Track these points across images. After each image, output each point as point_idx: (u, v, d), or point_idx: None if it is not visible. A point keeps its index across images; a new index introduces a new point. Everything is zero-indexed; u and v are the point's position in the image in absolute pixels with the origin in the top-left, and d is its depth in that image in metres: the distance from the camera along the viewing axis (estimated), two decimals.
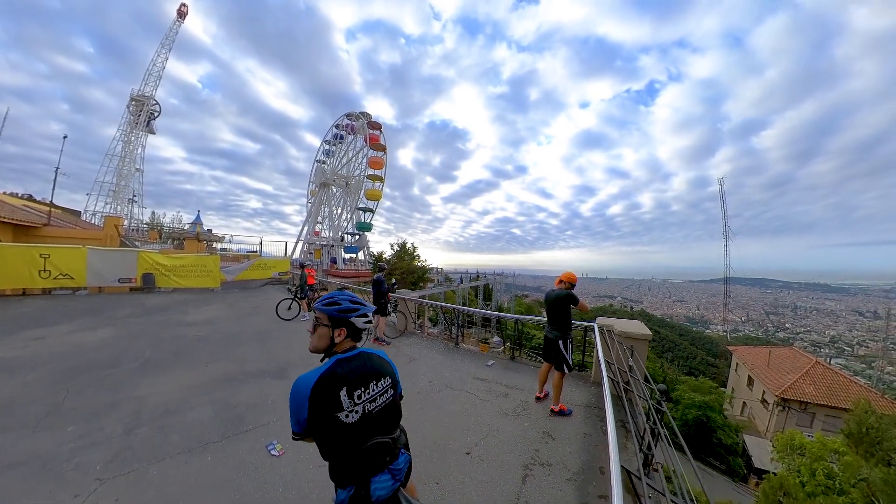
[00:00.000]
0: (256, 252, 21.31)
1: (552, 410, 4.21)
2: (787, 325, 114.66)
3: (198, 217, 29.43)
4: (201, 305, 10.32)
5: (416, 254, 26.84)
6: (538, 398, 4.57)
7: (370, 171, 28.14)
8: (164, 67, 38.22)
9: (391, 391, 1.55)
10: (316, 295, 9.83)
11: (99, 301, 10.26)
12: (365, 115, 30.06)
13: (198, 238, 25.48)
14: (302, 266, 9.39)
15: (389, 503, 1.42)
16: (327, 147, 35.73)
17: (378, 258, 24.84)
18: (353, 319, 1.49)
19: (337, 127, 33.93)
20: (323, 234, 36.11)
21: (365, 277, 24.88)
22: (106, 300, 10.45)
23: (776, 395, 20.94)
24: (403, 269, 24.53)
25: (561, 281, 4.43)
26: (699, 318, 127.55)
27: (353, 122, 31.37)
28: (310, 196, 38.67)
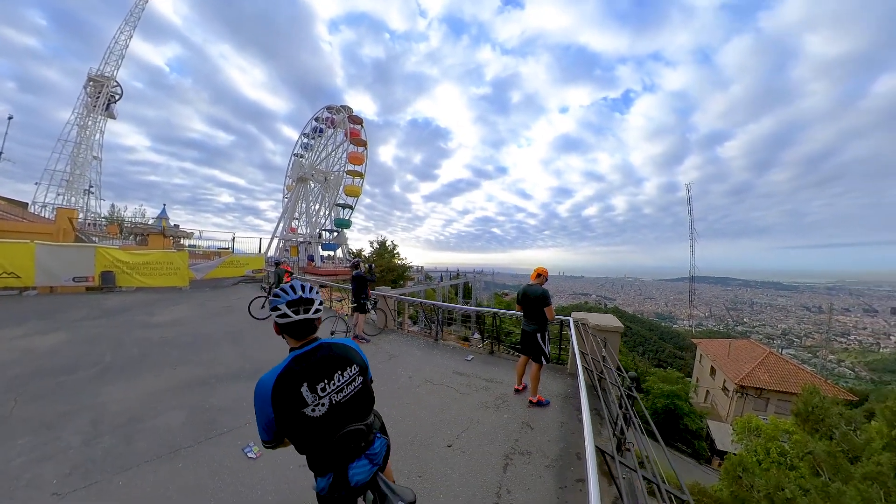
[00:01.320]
0: (228, 249, 20.37)
1: (530, 402, 4.33)
2: (745, 319, 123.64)
3: (163, 211, 27.57)
4: (168, 305, 9.75)
5: (395, 252, 26.63)
6: (517, 390, 4.69)
7: (350, 167, 27.55)
8: (127, 46, 35.46)
9: (359, 378, 1.53)
10: None
11: (50, 302, 9.45)
12: (346, 108, 29.30)
13: (163, 234, 23.97)
14: (277, 263, 8.98)
15: (368, 486, 1.43)
16: (306, 140, 34.59)
17: (357, 255, 24.39)
18: (297, 318, 1.43)
19: (316, 120, 32.88)
20: (300, 231, 35.04)
21: (343, 275, 24.40)
22: (59, 301, 9.63)
23: (735, 383, 22.54)
24: (383, 267, 24.27)
25: (538, 275, 4.55)
26: (667, 314, 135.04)
27: (334, 116, 30.50)
28: (286, 191, 37.35)
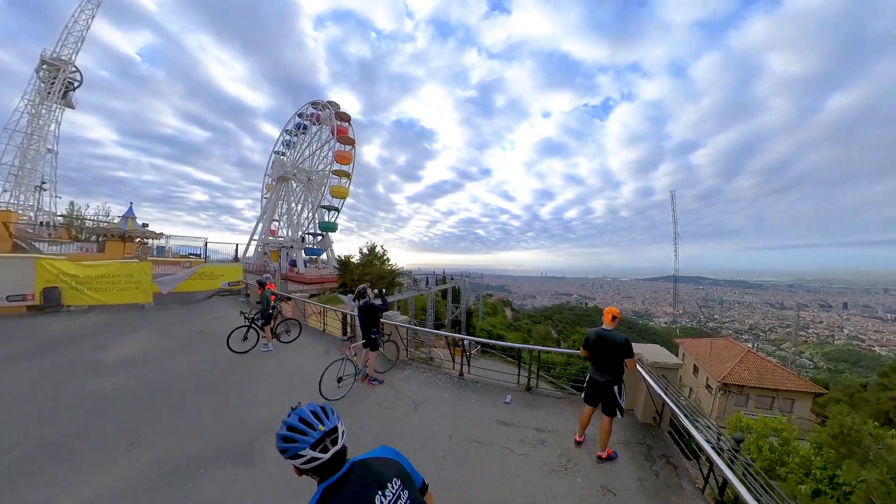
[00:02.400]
0: (200, 256, 18.37)
1: (599, 457, 3.84)
2: (715, 316, 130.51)
3: (130, 210, 24.55)
4: (126, 333, 8.14)
5: (385, 257, 25.28)
6: (577, 442, 4.14)
7: (336, 167, 25.84)
8: (88, 28, 31.83)
9: (406, 494, 1.29)
10: (277, 318, 8.14)
11: None
12: (332, 104, 27.45)
13: (123, 237, 21.34)
14: (262, 284, 7.53)
15: None
16: (288, 137, 32.43)
17: (345, 263, 22.83)
18: (329, 456, 1.21)
19: (300, 116, 30.82)
20: (280, 234, 32.90)
21: (330, 283, 22.78)
22: None
23: (719, 381, 23.07)
24: (374, 275, 22.87)
25: (613, 318, 3.91)
26: (644, 312, 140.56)
27: (319, 112, 28.55)
28: (265, 191, 35.08)
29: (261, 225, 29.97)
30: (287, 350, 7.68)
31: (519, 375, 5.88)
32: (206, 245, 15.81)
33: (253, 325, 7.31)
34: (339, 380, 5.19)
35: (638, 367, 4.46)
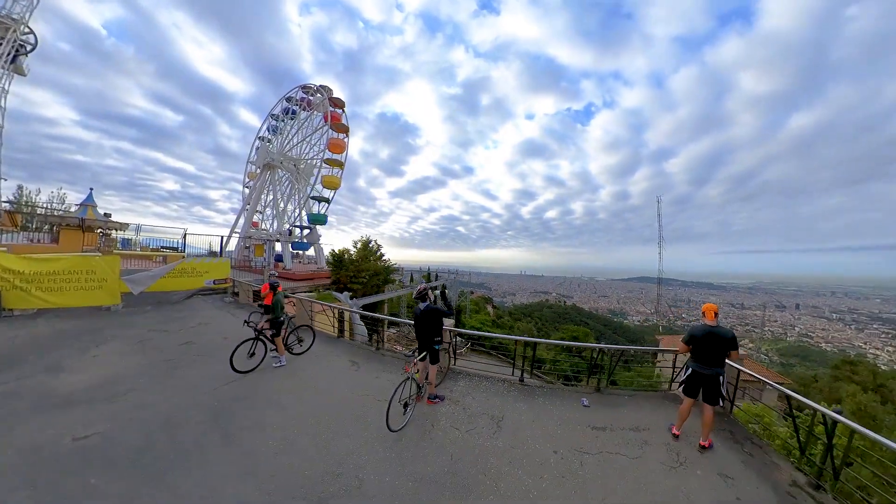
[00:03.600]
0: (177, 249, 16.16)
1: (702, 446, 4.02)
2: (683, 315, 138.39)
3: (90, 197, 21.26)
4: (89, 347, 6.39)
5: (380, 252, 23.76)
6: (675, 435, 4.27)
7: (329, 155, 23.91)
8: None
9: None
10: (289, 326, 6.69)
11: None
12: (325, 88, 25.31)
13: (82, 227, 18.60)
14: (274, 287, 5.98)
15: None
16: (274, 122, 29.92)
17: (340, 257, 21.11)
18: None
19: (289, 100, 28.34)
20: (264, 226, 30.42)
21: (323, 279, 21.03)
22: None
23: None
24: (370, 271, 21.33)
25: (715, 314, 4.10)
26: (619, 311, 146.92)
27: (311, 97, 26.31)
28: (247, 179, 32.37)
29: (243, 217, 27.44)
30: (304, 364, 6.32)
31: (589, 376, 5.73)
32: (185, 237, 13.73)
33: (261, 337, 5.86)
34: (405, 405, 4.10)
35: (732, 361, 4.51)
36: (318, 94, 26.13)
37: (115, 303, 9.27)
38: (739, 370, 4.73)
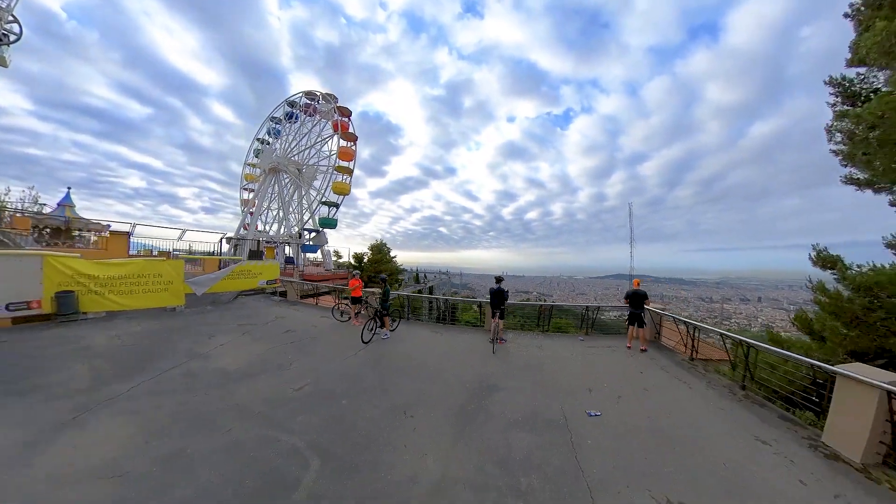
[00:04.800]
0: (212, 253, 16.05)
1: (642, 350, 7.36)
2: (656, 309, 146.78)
3: (67, 196, 20.09)
4: (200, 339, 7.03)
5: (392, 255, 24.49)
6: (628, 347, 7.57)
7: (340, 163, 24.27)
8: None
9: None
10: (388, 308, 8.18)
11: None
12: (331, 97, 25.56)
13: (68, 229, 17.84)
14: (384, 281, 8.31)
15: None
16: (275, 126, 29.89)
17: (360, 259, 21.64)
18: None
19: (291, 105, 28.46)
20: (262, 228, 30.24)
21: (340, 279, 21.50)
22: None
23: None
24: (386, 270, 22.01)
25: (638, 284, 7.91)
26: (595, 307, 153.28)
27: (316, 104, 26.55)
28: (245, 181, 32.08)
29: (248, 219, 27.21)
30: (401, 336, 8.11)
31: (582, 325, 10.07)
32: (221, 241, 13.88)
33: (377, 317, 7.64)
34: (492, 341, 7.44)
35: (647, 306, 7.78)
36: (324, 102, 26.47)
37: (180, 304, 9.66)
38: (651, 311, 8.06)
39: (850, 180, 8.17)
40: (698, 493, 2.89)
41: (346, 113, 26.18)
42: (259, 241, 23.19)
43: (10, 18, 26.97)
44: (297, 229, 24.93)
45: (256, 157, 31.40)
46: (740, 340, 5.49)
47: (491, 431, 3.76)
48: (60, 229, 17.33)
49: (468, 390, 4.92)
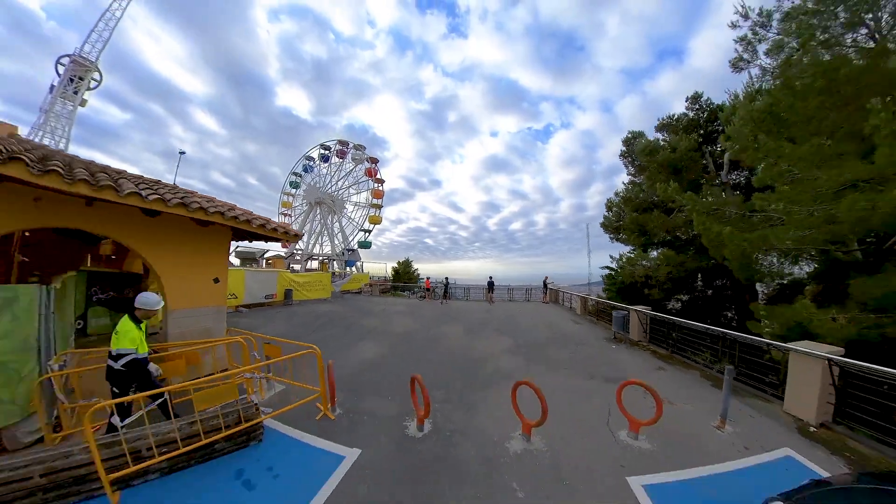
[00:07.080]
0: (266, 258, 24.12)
1: (545, 302, 16.68)
2: None
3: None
4: (352, 313, 15.57)
5: (413, 267, 33.22)
6: (545, 302, 16.26)
7: (374, 201, 33.28)
8: None
9: None
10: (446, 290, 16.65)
11: (267, 314, 14.55)
12: (361, 147, 34.84)
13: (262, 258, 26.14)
14: (447, 279, 16.24)
15: None
16: (308, 164, 38.42)
17: (397, 271, 30.12)
18: None
19: (326, 148, 37.21)
20: (299, 247, 38.23)
21: (383, 284, 30.02)
22: (272, 312, 14.65)
23: None
24: (414, 281, 30.62)
25: (547, 277, 15.57)
26: None
27: (348, 151, 35.49)
28: (283, 208, 40.32)
29: (301, 241, 35.31)
30: (459, 303, 16.32)
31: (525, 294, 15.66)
32: (262, 256, 22.37)
33: (445, 295, 16.08)
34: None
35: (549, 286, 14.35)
36: (357, 151, 35.40)
37: (327, 297, 18.01)
38: (551, 288, 16.16)
39: None
40: (564, 333, 11.77)
41: (373, 160, 35.23)
42: (320, 258, 31.61)
43: (93, 68, 34.67)
44: (342, 248, 33.37)
45: (292, 187, 39.75)
46: (597, 300, 14.56)
47: (489, 330, 11.72)
48: (257, 259, 25.50)
49: (479, 317, 12.89)
